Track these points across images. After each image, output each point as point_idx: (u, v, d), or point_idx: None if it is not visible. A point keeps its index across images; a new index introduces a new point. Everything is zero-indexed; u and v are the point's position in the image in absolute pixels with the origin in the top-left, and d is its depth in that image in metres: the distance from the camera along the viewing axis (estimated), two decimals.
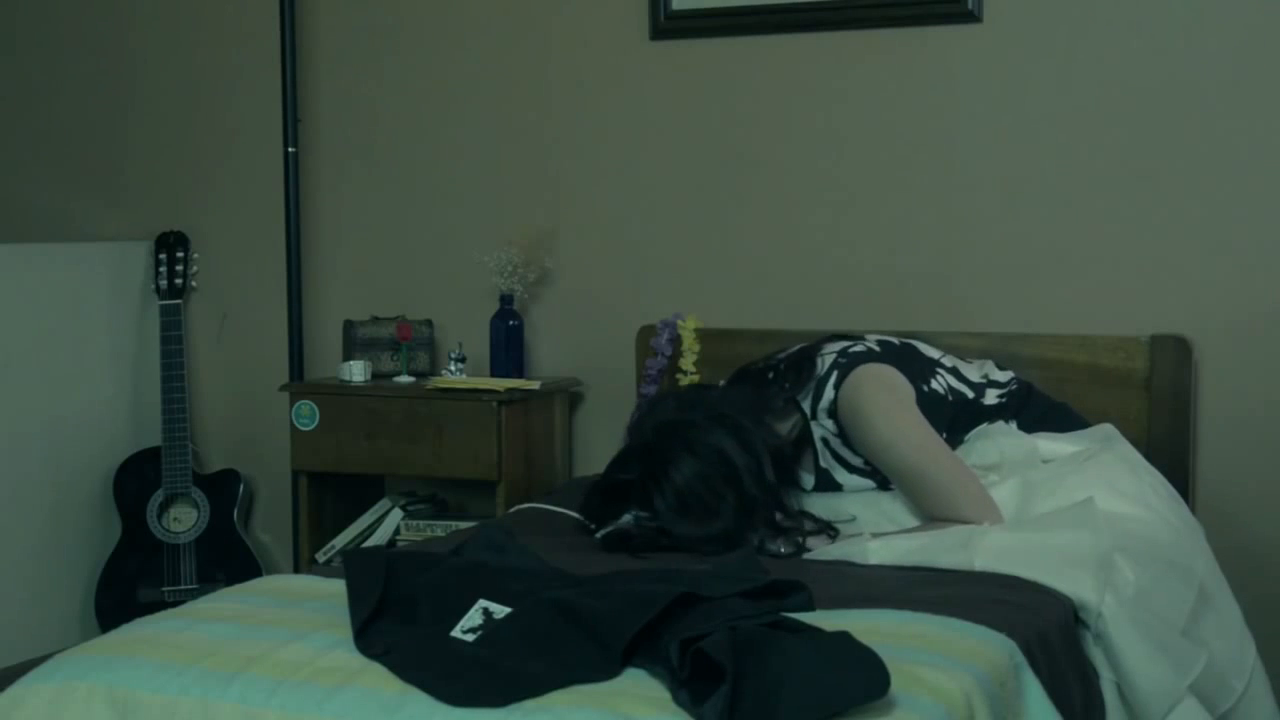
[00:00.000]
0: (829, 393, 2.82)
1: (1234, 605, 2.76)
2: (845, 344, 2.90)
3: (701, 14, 3.71)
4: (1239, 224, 3.31)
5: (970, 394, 2.94)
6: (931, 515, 2.74)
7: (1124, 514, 2.68)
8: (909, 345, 2.97)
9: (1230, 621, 2.72)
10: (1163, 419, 3.27)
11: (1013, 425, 2.93)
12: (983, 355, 3.33)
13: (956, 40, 3.50)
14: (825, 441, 2.86)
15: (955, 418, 2.88)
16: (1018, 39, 3.46)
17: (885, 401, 2.77)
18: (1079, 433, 2.95)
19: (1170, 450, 3.23)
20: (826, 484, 2.90)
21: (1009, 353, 3.36)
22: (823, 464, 2.88)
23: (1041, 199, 3.47)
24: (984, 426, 2.89)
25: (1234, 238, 3.32)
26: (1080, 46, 3.41)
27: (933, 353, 2.99)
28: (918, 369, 2.89)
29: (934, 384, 2.89)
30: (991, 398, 2.96)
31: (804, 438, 2.88)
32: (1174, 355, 3.28)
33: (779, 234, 3.69)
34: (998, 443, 2.84)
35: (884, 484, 2.86)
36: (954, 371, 2.96)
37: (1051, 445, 2.87)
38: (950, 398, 2.89)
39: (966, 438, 2.88)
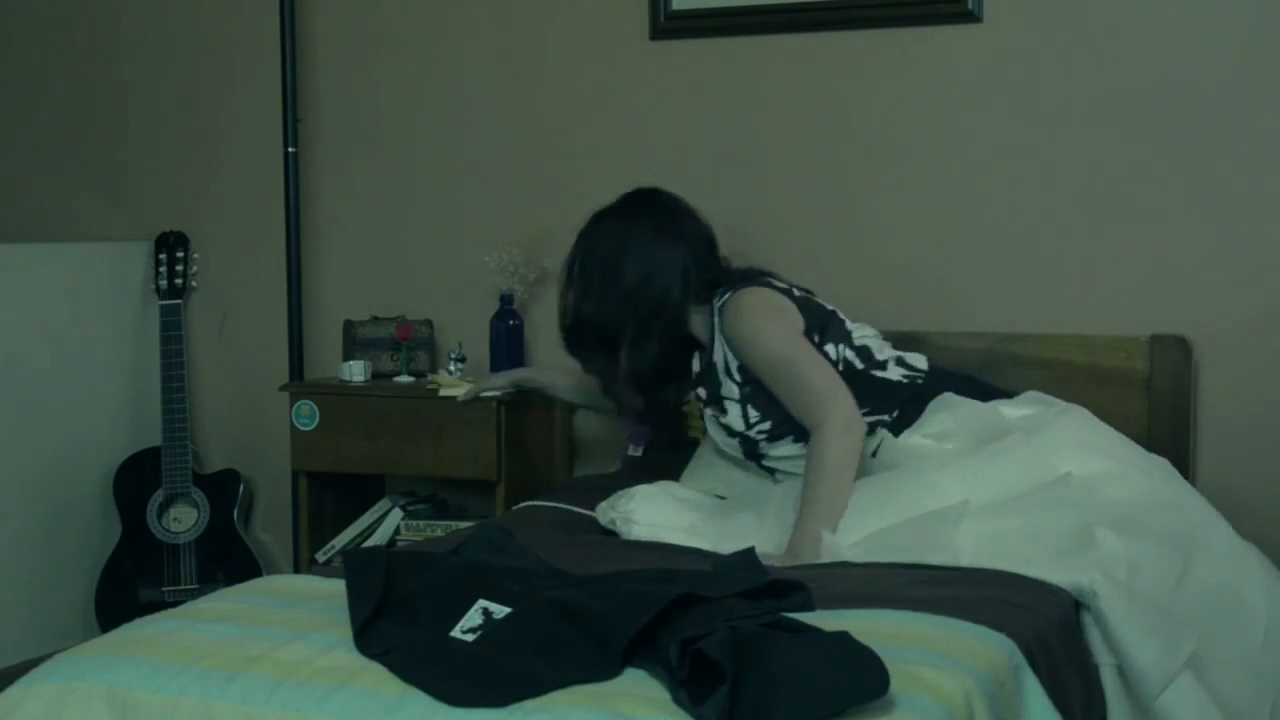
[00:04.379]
0: (727, 294, 2.99)
1: (1221, 526, 2.77)
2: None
3: (701, 14, 3.71)
4: (1238, 224, 3.31)
5: (860, 364, 3.00)
6: (797, 412, 2.88)
7: (1100, 472, 2.71)
8: (810, 299, 3.08)
9: (1226, 549, 2.72)
10: (1163, 419, 3.28)
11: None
12: (983, 355, 3.34)
13: (956, 40, 3.50)
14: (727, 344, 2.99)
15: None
16: (1018, 39, 3.46)
17: (756, 306, 2.96)
18: (1023, 396, 3.01)
19: (1170, 450, 3.23)
20: (710, 377, 3.01)
21: (1009, 353, 3.36)
22: (715, 358, 3.00)
23: (1041, 199, 3.47)
24: (943, 396, 2.94)
25: (1234, 238, 3.32)
26: (1080, 46, 3.41)
27: (841, 318, 3.07)
28: (815, 319, 3.01)
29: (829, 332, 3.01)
30: (894, 373, 3.01)
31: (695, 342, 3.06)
32: (1174, 355, 3.28)
33: (778, 234, 3.69)
34: (954, 412, 2.90)
35: (752, 395, 2.95)
36: (847, 338, 3.03)
37: (1014, 410, 2.92)
38: (834, 358, 2.97)
39: (927, 409, 2.93)
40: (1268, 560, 2.79)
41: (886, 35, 3.56)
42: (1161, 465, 2.88)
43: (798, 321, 2.96)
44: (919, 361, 3.06)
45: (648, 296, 2.98)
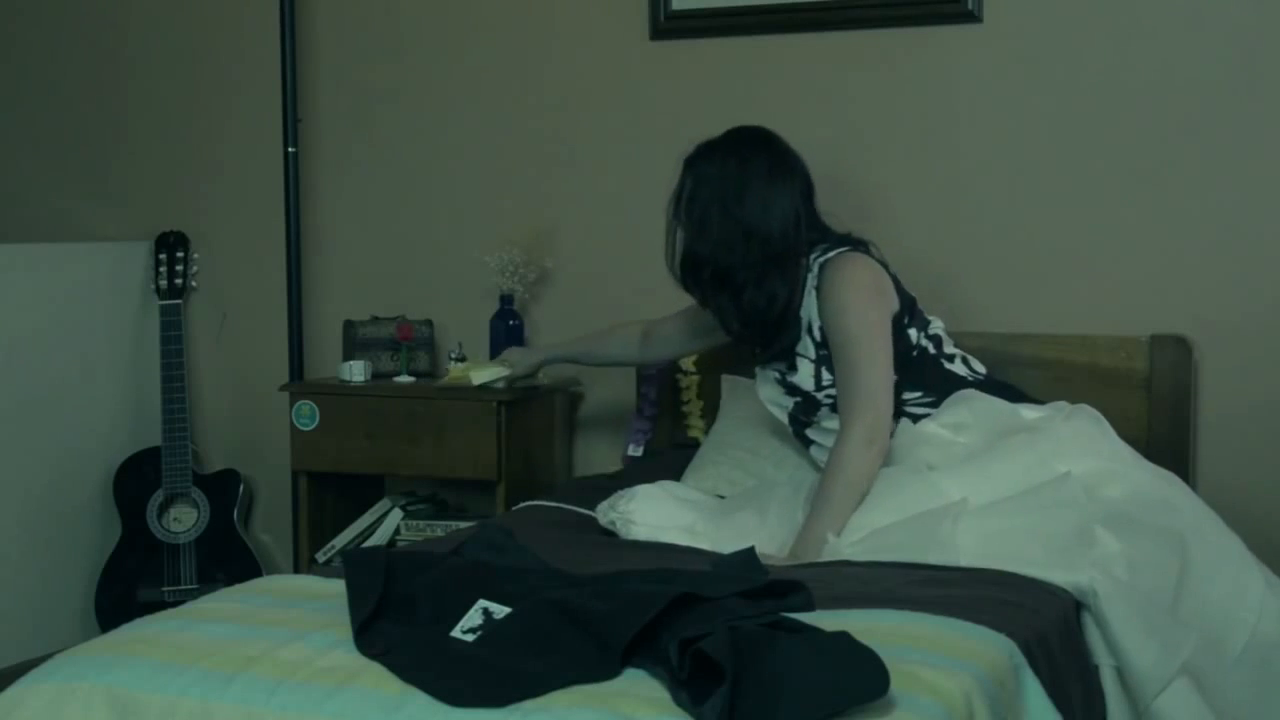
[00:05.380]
0: (833, 252, 2.94)
1: (1229, 538, 2.74)
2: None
3: (701, 14, 3.71)
4: (1239, 224, 3.31)
5: (932, 350, 3.00)
6: (839, 397, 2.88)
7: (1101, 470, 2.71)
8: (898, 280, 3.06)
9: (1225, 557, 2.70)
10: (1163, 419, 3.28)
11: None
12: (982, 355, 3.33)
13: (956, 40, 3.50)
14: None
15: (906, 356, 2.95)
16: (1018, 39, 3.46)
17: (864, 280, 2.91)
18: (1050, 405, 2.99)
19: (1170, 450, 3.23)
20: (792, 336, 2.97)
21: (1009, 352, 3.36)
22: (802, 313, 2.97)
23: (1041, 199, 3.47)
24: (965, 391, 2.94)
25: (1234, 238, 3.32)
26: (1080, 46, 3.41)
27: (920, 306, 3.07)
28: (906, 301, 3.00)
29: (911, 314, 3.00)
30: (959, 368, 3.02)
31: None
32: (1174, 355, 3.28)
33: None
34: (971, 406, 2.89)
35: (829, 359, 2.92)
36: (925, 326, 3.03)
37: (1032, 413, 2.92)
38: (914, 342, 2.97)
39: (946, 401, 2.92)
40: (1277, 582, 2.73)
41: (886, 35, 3.56)
42: (1169, 475, 2.87)
43: (893, 303, 2.94)
44: (979, 366, 3.06)
45: (771, 234, 2.92)
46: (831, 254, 2.94)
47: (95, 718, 1.99)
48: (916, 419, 2.92)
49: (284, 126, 4.06)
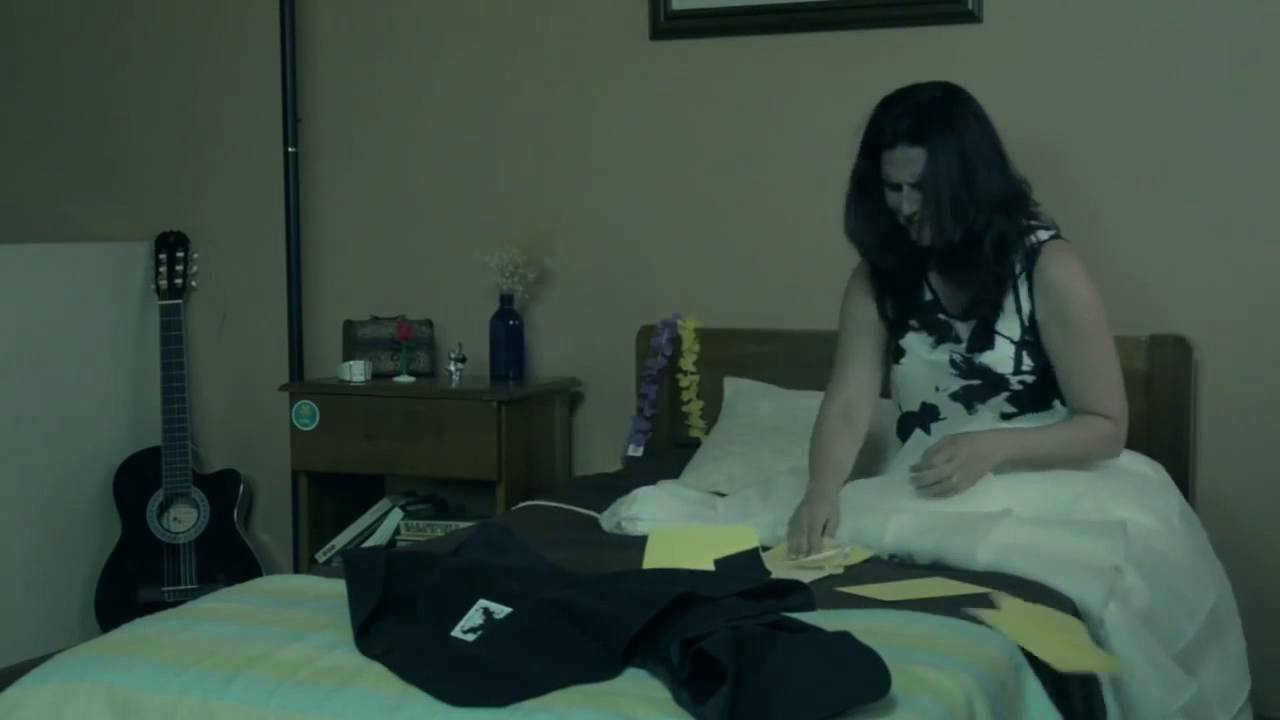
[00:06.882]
0: (1043, 233, 2.83)
1: (1240, 641, 2.77)
2: None
3: (701, 14, 3.72)
4: (1239, 224, 3.32)
5: None
6: (1070, 396, 2.78)
7: (1147, 526, 2.68)
8: None
9: (1233, 657, 2.73)
10: (1163, 419, 3.28)
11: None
12: None
13: (956, 40, 3.50)
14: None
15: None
16: (1018, 39, 3.46)
17: (1089, 278, 2.81)
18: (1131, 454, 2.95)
19: (1170, 450, 3.23)
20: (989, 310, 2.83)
21: None
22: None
23: (1040, 199, 3.45)
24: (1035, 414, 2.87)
25: (1234, 238, 3.32)
26: (1080, 46, 3.41)
27: None
28: None
29: None
30: None
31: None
32: (1174, 355, 3.28)
33: (779, 234, 3.69)
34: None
35: (1031, 344, 2.80)
36: None
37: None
38: None
39: (1029, 414, 2.86)
40: (1249, 709, 2.77)
41: (886, 35, 3.56)
42: (1214, 559, 2.86)
43: None
44: None
45: (1030, 189, 2.84)
46: (1049, 237, 2.82)
47: (95, 718, 1.99)
48: None
49: (284, 126, 4.06)
